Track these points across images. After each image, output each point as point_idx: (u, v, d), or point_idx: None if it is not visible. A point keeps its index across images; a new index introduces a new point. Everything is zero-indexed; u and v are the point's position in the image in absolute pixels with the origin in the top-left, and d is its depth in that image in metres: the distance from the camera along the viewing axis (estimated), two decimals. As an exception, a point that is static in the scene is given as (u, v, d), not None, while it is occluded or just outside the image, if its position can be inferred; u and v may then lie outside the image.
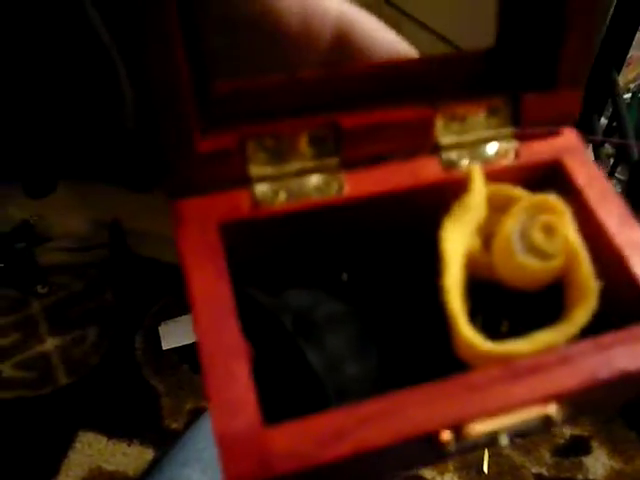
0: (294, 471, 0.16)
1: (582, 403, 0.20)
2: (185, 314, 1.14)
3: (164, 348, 1.11)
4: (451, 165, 0.22)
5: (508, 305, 0.21)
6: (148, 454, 0.99)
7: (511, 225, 0.21)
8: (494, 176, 0.22)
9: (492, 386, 0.18)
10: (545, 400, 0.18)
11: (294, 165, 0.21)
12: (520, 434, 0.19)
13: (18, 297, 1.20)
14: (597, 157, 1.27)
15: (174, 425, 1.03)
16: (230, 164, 0.21)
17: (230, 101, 0.21)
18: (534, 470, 1.00)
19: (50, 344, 1.14)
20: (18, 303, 1.20)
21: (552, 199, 0.21)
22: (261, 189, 0.21)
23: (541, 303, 0.21)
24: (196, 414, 1.00)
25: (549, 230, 0.21)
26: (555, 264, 0.20)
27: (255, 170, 0.21)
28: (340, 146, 0.21)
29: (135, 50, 0.18)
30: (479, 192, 0.21)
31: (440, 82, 0.22)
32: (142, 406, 1.06)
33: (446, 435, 0.17)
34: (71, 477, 0.97)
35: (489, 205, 0.22)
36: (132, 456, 1.00)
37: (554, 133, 0.23)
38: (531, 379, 0.18)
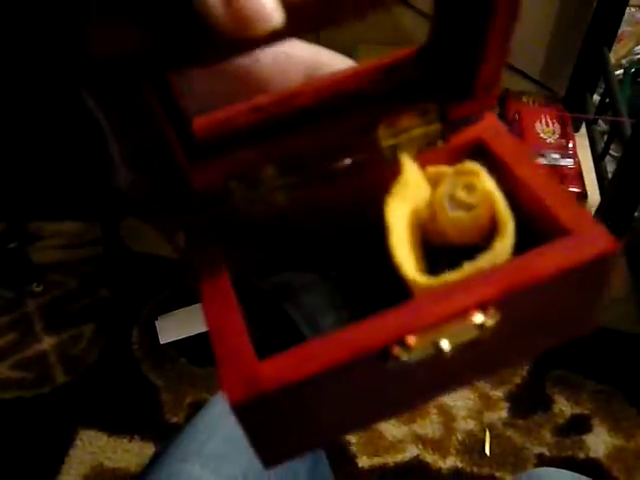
0: (276, 388, 0.21)
1: (514, 314, 0.23)
2: (181, 307, 1.13)
3: (161, 342, 1.11)
4: (394, 161, 0.27)
5: (459, 259, 0.25)
6: (149, 449, 0.99)
7: (441, 191, 0.26)
8: (431, 160, 0.27)
9: (427, 305, 0.22)
10: (471, 309, 0.22)
11: (266, 186, 0.26)
12: (463, 343, 0.22)
13: (13, 297, 1.20)
14: (590, 134, 1.26)
15: (174, 419, 1.03)
16: (217, 192, 0.27)
17: (208, 137, 0.26)
18: (536, 450, 1.00)
19: (47, 343, 1.13)
20: (13, 303, 1.19)
21: (469, 164, 0.26)
22: (241, 202, 0.27)
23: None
24: (196, 407, 1.00)
25: (470, 187, 0.26)
26: (479, 212, 0.25)
27: (237, 195, 0.27)
28: (302, 167, 0.26)
29: (122, 126, 0.23)
30: (411, 172, 0.26)
31: (380, 92, 0.27)
32: (142, 401, 1.05)
33: (395, 349, 0.21)
34: (73, 475, 0.97)
35: (432, 183, 0.27)
36: (133, 452, 1.00)
37: (475, 122, 0.28)
38: (458, 295, 0.22)
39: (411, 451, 1.00)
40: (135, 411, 1.04)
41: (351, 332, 0.22)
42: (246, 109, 0.26)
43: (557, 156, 1.17)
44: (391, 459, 1.00)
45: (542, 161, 1.16)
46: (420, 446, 1.01)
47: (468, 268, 0.23)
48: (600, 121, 1.26)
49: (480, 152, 0.28)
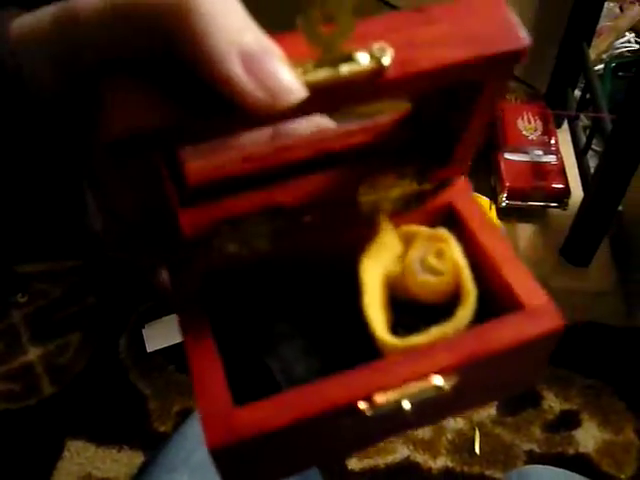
0: (252, 436, 0.23)
1: (469, 378, 0.25)
2: (168, 315, 1.12)
3: (149, 350, 1.10)
4: (371, 218, 0.29)
5: (424, 316, 0.27)
6: (138, 459, 0.98)
7: (413, 254, 0.28)
8: (406, 220, 0.30)
9: (394, 367, 0.24)
10: (432, 373, 0.24)
11: (251, 232, 0.28)
12: (422, 400, 0.24)
13: (-3, 308, 1.19)
14: (573, 130, 1.26)
15: (163, 428, 1.02)
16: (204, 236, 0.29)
17: (199, 183, 0.28)
18: (525, 447, 1.00)
19: (33, 354, 1.12)
20: (-2, 314, 1.18)
21: (441, 231, 0.28)
22: (226, 247, 0.29)
23: (448, 313, 0.27)
24: (184, 415, 0.99)
25: (440, 254, 0.28)
26: (446, 279, 0.28)
27: (223, 239, 0.28)
28: (285, 217, 0.29)
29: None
30: (387, 234, 0.28)
31: (363, 153, 0.29)
32: (130, 410, 1.05)
33: (361, 405, 0.23)
34: (61, 487, 0.97)
35: (403, 241, 0.29)
36: (122, 462, 0.99)
37: (448, 186, 0.30)
38: (422, 360, 0.24)
39: (401, 452, 1.00)
40: (123, 420, 1.04)
41: (323, 387, 0.24)
42: (236, 159, 0.29)
43: (540, 152, 1.17)
44: (382, 461, 1.00)
45: (525, 158, 1.17)
46: (410, 447, 1.01)
47: (433, 333, 0.25)
48: (582, 116, 1.27)
49: (450, 214, 0.30)
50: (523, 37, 0.23)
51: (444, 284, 0.28)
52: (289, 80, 0.20)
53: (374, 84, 0.21)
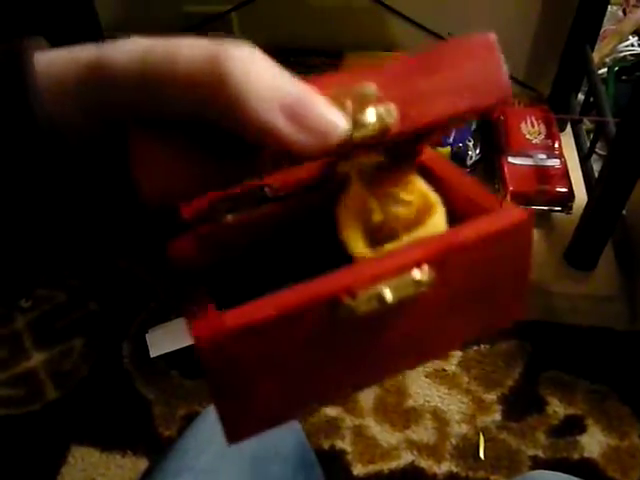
0: (238, 327, 0.23)
1: (447, 276, 0.27)
2: (171, 320, 1.12)
3: (152, 356, 1.10)
4: (345, 183, 0.32)
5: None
6: (142, 464, 0.98)
7: (386, 195, 0.31)
8: (382, 180, 0.33)
9: (371, 263, 0.26)
10: (408, 265, 0.25)
11: (245, 205, 0.32)
12: (401, 294, 0.25)
13: (1, 313, 1.19)
14: (576, 133, 1.26)
15: (167, 433, 1.02)
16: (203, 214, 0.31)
17: None
18: (530, 453, 1.00)
19: (36, 359, 1.12)
20: (1, 319, 1.18)
21: (407, 173, 0.31)
22: (225, 218, 0.32)
23: None
24: (189, 420, 0.99)
25: (408, 188, 0.31)
26: (414, 206, 0.30)
27: (221, 214, 0.32)
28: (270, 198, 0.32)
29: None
30: (360, 190, 0.31)
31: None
32: (134, 415, 1.05)
33: (343, 297, 0.24)
34: (65, 494, 0.97)
35: (377, 196, 0.32)
36: (126, 467, 0.99)
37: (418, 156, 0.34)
38: (396, 255, 0.26)
39: (406, 457, 1.00)
40: (127, 425, 1.04)
41: (304, 285, 0.25)
42: None
43: (544, 156, 1.17)
44: (386, 466, 0.99)
45: (529, 162, 1.16)
46: (415, 452, 1.00)
47: (406, 239, 0.28)
48: (586, 120, 1.27)
49: (423, 170, 0.33)
50: (509, 86, 0.25)
51: (414, 212, 0.30)
52: (332, 117, 0.21)
53: (379, 140, 0.24)
